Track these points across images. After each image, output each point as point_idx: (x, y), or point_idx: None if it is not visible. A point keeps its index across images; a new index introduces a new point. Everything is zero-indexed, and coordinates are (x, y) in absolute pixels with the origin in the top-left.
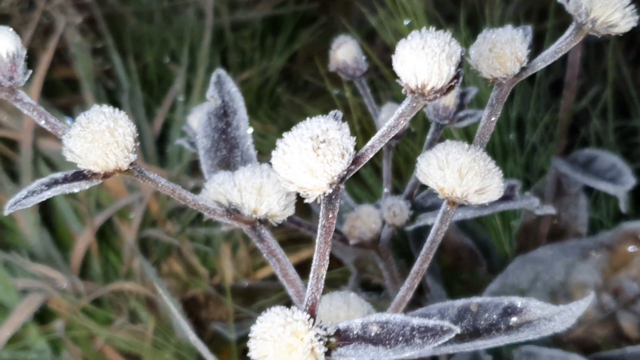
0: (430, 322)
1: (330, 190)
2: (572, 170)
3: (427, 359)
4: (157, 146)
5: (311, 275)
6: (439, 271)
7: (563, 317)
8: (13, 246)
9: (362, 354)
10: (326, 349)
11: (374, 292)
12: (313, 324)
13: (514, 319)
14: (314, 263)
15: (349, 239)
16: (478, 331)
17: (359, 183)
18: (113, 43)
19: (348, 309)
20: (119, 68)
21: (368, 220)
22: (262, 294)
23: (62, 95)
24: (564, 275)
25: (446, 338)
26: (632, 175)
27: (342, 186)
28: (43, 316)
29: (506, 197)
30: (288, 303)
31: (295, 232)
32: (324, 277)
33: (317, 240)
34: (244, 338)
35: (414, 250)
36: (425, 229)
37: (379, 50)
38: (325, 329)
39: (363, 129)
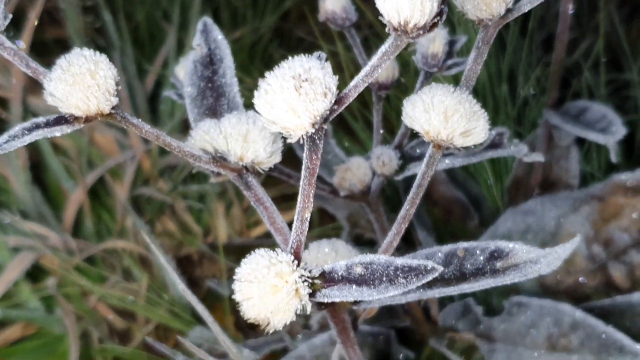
0: (414, 262)
1: (313, 130)
2: (563, 121)
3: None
4: (149, 105)
5: (295, 217)
6: (430, 224)
7: (549, 259)
8: (4, 205)
9: (346, 294)
10: (310, 291)
11: (367, 246)
12: (298, 266)
13: (500, 263)
14: (298, 205)
15: (339, 191)
16: (465, 275)
17: (350, 137)
18: (104, 1)
19: (336, 256)
20: (110, 26)
21: (358, 171)
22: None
23: (53, 55)
24: (555, 226)
25: (430, 277)
26: (623, 125)
27: (326, 127)
28: (35, 274)
29: (495, 145)
30: None
31: (287, 188)
32: (308, 219)
33: (301, 182)
34: None
35: (402, 192)
36: (415, 180)
37: (373, 7)
38: (310, 271)
39: None
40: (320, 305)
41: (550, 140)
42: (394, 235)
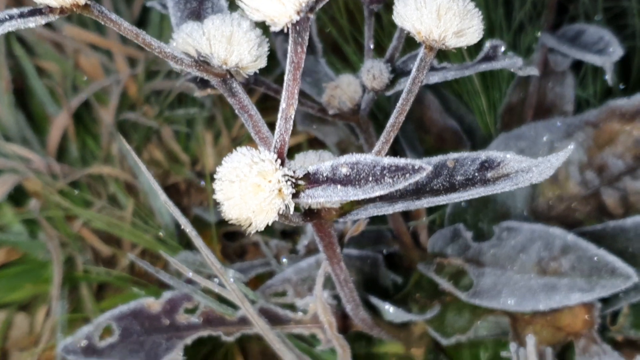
0: (402, 161)
1: (298, 18)
2: (560, 43)
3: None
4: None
5: (279, 115)
6: (422, 152)
7: (541, 168)
8: None
9: (331, 194)
10: (294, 191)
11: None
12: (281, 166)
13: (491, 173)
14: (282, 103)
15: (327, 110)
16: (454, 186)
17: (342, 61)
18: None
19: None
20: None
21: (348, 89)
22: None
23: None
24: (548, 151)
25: (417, 177)
26: (620, 47)
27: (312, 16)
28: (19, 199)
29: (489, 57)
30: None
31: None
32: (292, 117)
33: (285, 78)
34: (225, 222)
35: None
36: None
37: None
38: (293, 172)
39: None
40: (305, 217)
41: (545, 66)
42: (382, 144)
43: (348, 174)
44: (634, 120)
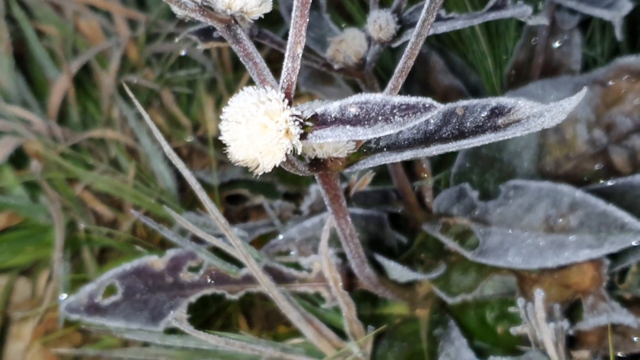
0: (412, 100)
1: None
2: None
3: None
4: None
5: (287, 54)
6: None
7: (553, 112)
8: None
9: (340, 134)
10: (302, 132)
11: None
12: (289, 106)
13: (501, 120)
14: (290, 40)
15: (332, 64)
16: (464, 134)
17: (345, 18)
18: None
19: None
20: None
21: (353, 43)
22: None
23: None
24: None
25: (428, 115)
26: (629, 0)
27: None
28: (19, 163)
29: (497, 6)
30: None
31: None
32: (299, 56)
33: (292, 15)
34: (227, 185)
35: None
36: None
37: None
38: (301, 112)
39: None
40: (311, 167)
41: (553, 25)
42: (390, 90)
43: (357, 113)
44: None
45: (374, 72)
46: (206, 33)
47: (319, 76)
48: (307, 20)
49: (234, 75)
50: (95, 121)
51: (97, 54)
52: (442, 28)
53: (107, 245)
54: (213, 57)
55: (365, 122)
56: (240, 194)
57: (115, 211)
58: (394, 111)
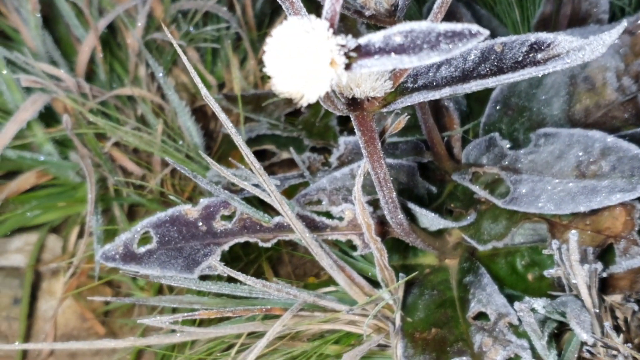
0: (459, 26)
1: None
2: None
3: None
4: None
5: None
6: None
7: (593, 45)
8: (15, 48)
9: (385, 62)
10: (347, 61)
11: None
12: (333, 35)
13: (541, 55)
14: None
15: (364, 12)
16: (502, 70)
17: None
18: None
19: None
20: None
21: None
22: (271, 99)
23: None
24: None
25: (475, 41)
26: None
27: None
28: (48, 121)
29: None
30: None
31: None
32: None
33: None
34: (254, 141)
35: None
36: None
37: None
38: (346, 41)
39: None
40: (349, 107)
41: None
42: (437, 9)
43: (402, 42)
44: None
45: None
46: None
47: (345, 30)
48: None
49: (258, 34)
50: (121, 80)
51: (123, 13)
52: None
53: (136, 202)
54: (238, 15)
55: (411, 50)
56: (266, 149)
57: (144, 168)
58: (440, 38)
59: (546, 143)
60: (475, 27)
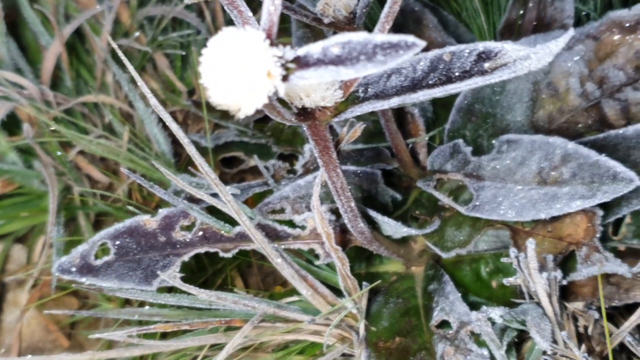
0: (395, 37)
1: None
2: None
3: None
4: None
5: None
6: None
7: (540, 55)
8: None
9: (323, 74)
10: (284, 73)
11: None
12: (270, 46)
13: (488, 64)
14: None
15: (322, 19)
16: (451, 79)
17: None
18: None
19: None
20: None
21: None
22: None
23: None
24: (548, 64)
25: (412, 53)
26: None
27: None
28: (12, 129)
29: None
30: None
31: None
32: None
33: None
34: (222, 147)
35: None
36: (402, 14)
37: None
38: (283, 53)
39: None
40: (299, 116)
41: None
42: (379, 32)
43: (340, 53)
44: (635, 31)
45: (365, 29)
46: None
47: (312, 36)
48: None
49: None
50: (89, 87)
51: (90, 19)
52: None
53: (102, 211)
54: (207, 21)
55: (348, 62)
56: (235, 156)
57: (111, 176)
58: (376, 49)
59: (509, 150)
60: (411, 39)
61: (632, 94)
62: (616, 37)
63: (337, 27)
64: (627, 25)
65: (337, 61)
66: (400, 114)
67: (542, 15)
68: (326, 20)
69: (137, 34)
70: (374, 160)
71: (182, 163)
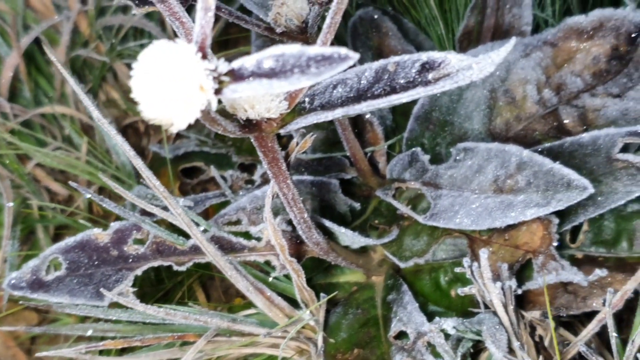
0: (328, 50)
1: None
2: None
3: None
4: None
5: (198, 7)
6: None
7: (481, 65)
8: None
9: (256, 87)
10: (217, 87)
11: None
12: (203, 59)
13: (432, 74)
14: None
15: (275, 28)
16: (395, 89)
17: None
18: None
19: None
20: None
21: (295, 6)
22: None
23: None
24: (505, 71)
25: (344, 65)
26: None
27: None
28: None
29: None
30: None
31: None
32: (212, 8)
33: None
34: (182, 157)
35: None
36: (362, 22)
37: None
38: (216, 67)
39: None
40: (244, 128)
41: None
42: (321, 43)
43: (273, 66)
44: (593, 37)
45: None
46: None
47: (272, 44)
48: None
49: None
50: (48, 97)
51: (49, 29)
52: None
53: (62, 223)
54: (168, 30)
55: (282, 75)
56: (197, 166)
57: (70, 188)
58: (310, 62)
59: (465, 158)
60: (344, 51)
61: (590, 100)
62: (574, 43)
63: (290, 36)
64: (585, 31)
65: (271, 74)
66: (359, 122)
67: (500, 22)
68: (278, 30)
69: (96, 43)
70: (333, 169)
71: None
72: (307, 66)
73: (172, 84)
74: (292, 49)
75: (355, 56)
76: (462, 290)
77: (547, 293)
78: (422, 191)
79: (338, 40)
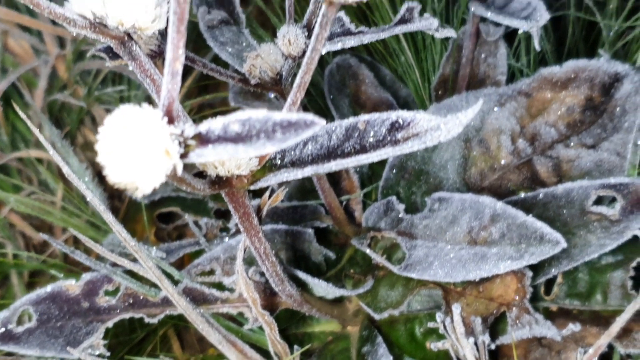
0: (294, 116)
1: None
2: (488, 11)
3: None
4: None
5: (165, 70)
6: None
7: (449, 125)
8: None
9: (221, 152)
10: (183, 151)
11: None
12: (169, 124)
13: (401, 133)
14: (168, 56)
15: (250, 80)
16: (365, 148)
17: (265, 27)
18: None
19: None
20: None
21: (269, 58)
22: None
23: None
24: (479, 121)
25: (310, 132)
26: (546, 11)
27: None
28: None
29: (404, 20)
30: None
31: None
32: (179, 72)
33: (169, 31)
34: (158, 203)
35: (328, 97)
36: (339, 69)
37: None
38: (182, 131)
39: None
40: (214, 185)
41: (478, 37)
42: (289, 105)
43: (240, 131)
44: (567, 87)
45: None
46: (114, 50)
47: (249, 92)
48: (185, 36)
49: None
50: (26, 141)
51: (26, 73)
52: (351, 42)
53: (37, 269)
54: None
55: (248, 140)
56: (171, 212)
57: (46, 233)
58: (276, 128)
59: (440, 208)
60: (310, 117)
61: (564, 151)
62: (548, 93)
63: (264, 87)
64: (559, 82)
65: (237, 139)
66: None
67: (476, 71)
68: (253, 82)
69: (74, 88)
70: (308, 217)
71: (119, 219)
72: (273, 132)
73: (138, 149)
74: (258, 114)
75: (321, 122)
76: (436, 345)
77: (516, 349)
78: (397, 241)
79: (314, 87)
